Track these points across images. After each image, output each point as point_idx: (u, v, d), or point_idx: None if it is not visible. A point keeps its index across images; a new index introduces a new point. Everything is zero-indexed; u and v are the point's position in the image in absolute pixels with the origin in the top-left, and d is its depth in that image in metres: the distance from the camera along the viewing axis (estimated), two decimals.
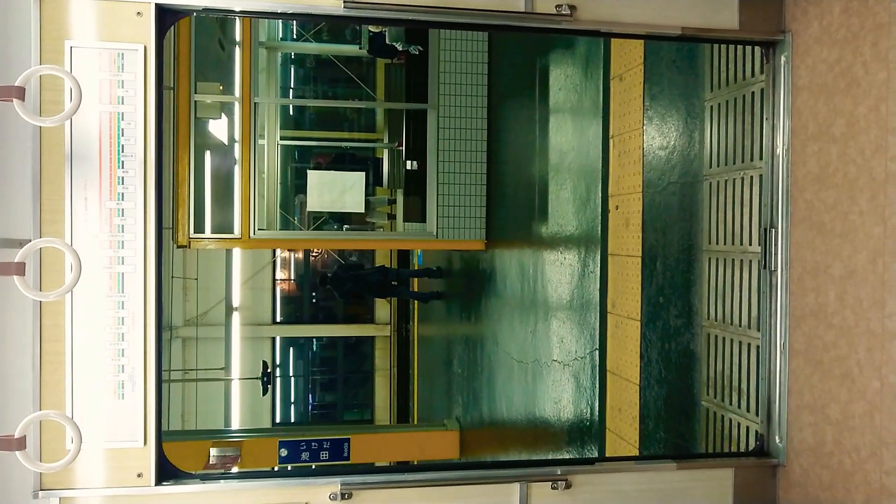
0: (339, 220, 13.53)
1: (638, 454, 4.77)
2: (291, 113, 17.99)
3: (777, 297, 3.18)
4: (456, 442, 10.29)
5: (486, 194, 9.10)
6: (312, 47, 16.46)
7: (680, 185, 4.37)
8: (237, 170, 8.66)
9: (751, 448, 3.37)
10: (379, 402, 19.59)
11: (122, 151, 2.69)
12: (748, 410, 3.60)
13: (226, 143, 9.42)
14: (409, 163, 9.60)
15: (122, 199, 2.69)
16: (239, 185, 8.53)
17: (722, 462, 3.19)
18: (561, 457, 6.08)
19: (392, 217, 12.47)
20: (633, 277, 4.87)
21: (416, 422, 15.27)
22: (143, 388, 2.73)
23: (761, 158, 3.40)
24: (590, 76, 5.81)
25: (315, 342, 21.41)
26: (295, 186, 16.39)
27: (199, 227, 8.57)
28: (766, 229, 3.23)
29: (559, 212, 6.36)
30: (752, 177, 3.58)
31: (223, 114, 9.00)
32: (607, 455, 5.24)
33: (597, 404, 5.43)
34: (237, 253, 17.68)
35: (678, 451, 4.35)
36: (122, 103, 2.69)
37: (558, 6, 2.97)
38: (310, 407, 21.79)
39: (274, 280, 19.60)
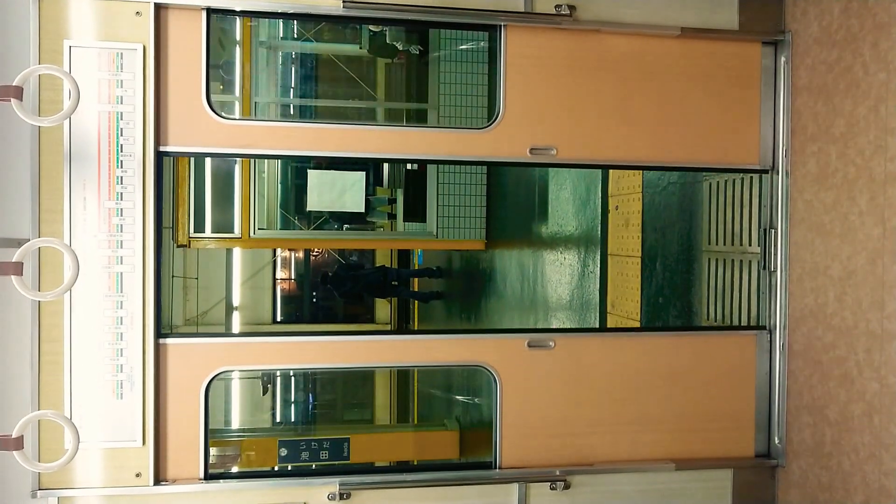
0: (340, 219, 13.50)
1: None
2: (292, 112, 17.96)
3: (776, 298, 3.18)
4: (456, 442, 10.27)
5: (486, 194, 9.08)
6: (312, 47, 16.43)
7: (680, 186, 4.36)
8: (237, 169, 8.66)
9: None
10: (379, 401, 19.57)
11: (121, 151, 2.69)
12: None
13: None
14: (409, 163, 9.59)
15: (121, 199, 2.69)
16: (239, 184, 8.53)
17: (721, 463, 3.19)
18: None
19: (392, 217, 12.45)
20: (633, 278, 4.87)
21: (415, 422, 15.25)
22: (141, 388, 2.73)
23: None
24: None
25: None
26: (295, 186, 16.36)
27: (200, 227, 8.56)
28: (765, 230, 3.23)
29: (559, 212, 6.35)
30: (751, 177, 3.57)
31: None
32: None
33: None
34: (237, 252, 17.68)
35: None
36: (121, 103, 2.69)
37: (558, 6, 2.98)
38: (310, 406, 21.78)
39: (274, 279, 19.58)
